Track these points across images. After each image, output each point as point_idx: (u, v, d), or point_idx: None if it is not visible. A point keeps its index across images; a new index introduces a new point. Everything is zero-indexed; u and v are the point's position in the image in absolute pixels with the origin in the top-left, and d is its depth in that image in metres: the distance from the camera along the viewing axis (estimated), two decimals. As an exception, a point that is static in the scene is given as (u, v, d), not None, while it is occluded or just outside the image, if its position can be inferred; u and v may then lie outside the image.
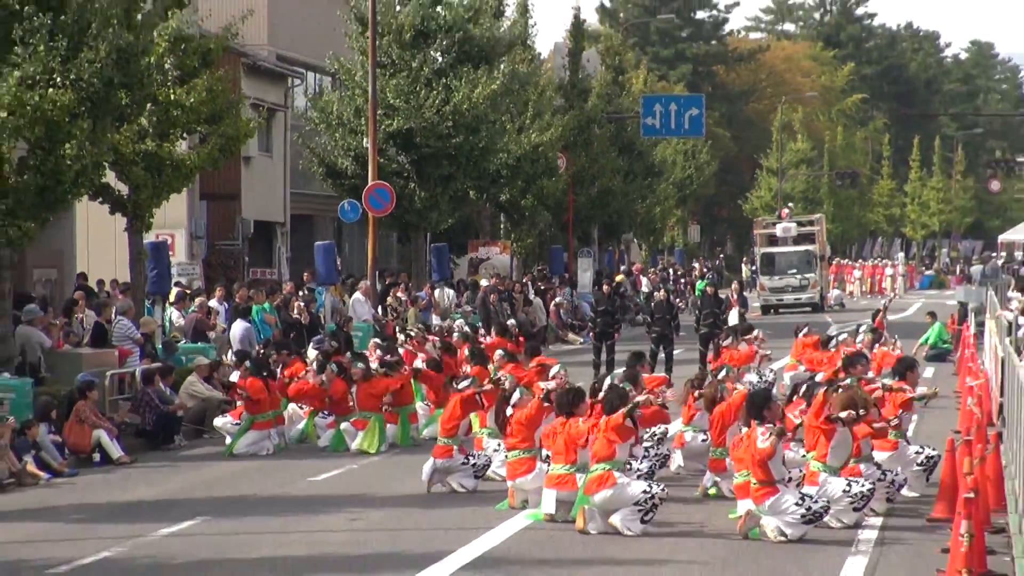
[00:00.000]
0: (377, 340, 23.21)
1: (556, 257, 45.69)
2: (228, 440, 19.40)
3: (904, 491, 14.68)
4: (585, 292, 41.17)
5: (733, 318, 30.11)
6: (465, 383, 16.07)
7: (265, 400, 19.20)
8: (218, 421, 19.98)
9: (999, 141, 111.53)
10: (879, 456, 14.34)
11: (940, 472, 13.75)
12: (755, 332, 22.67)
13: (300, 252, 38.39)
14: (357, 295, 28.94)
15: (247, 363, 19.64)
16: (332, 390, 19.43)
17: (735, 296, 31.94)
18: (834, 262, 65.07)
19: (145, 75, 20.09)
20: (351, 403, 19.27)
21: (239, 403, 19.44)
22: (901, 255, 78.50)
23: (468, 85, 33.47)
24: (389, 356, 20.27)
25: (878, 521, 13.47)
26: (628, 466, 13.40)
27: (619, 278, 44.42)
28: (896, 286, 67.52)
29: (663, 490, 13.07)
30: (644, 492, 12.89)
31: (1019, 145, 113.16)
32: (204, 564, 12.28)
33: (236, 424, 19.35)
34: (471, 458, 15.58)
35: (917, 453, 14.85)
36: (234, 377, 19.77)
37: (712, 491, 14.87)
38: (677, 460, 16.15)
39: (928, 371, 27.92)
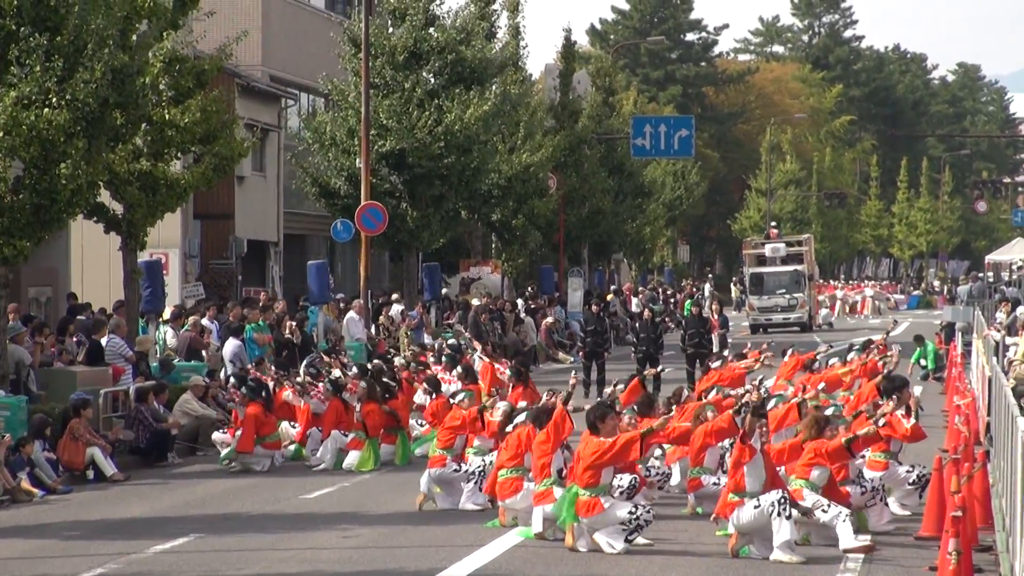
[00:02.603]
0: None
1: (546, 276, 45.81)
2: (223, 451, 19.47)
3: (897, 509, 14.82)
4: (575, 311, 41.29)
5: (715, 344, 29.95)
6: (461, 397, 16.39)
7: (265, 425, 19.38)
8: (217, 436, 20.09)
9: (986, 162, 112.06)
10: (869, 475, 14.47)
11: (928, 489, 13.88)
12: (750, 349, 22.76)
13: (293, 271, 38.49)
14: (351, 314, 29.04)
15: (244, 388, 19.76)
16: (328, 409, 19.63)
17: (716, 316, 31.95)
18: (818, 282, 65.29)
19: (140, 95, 20.22)
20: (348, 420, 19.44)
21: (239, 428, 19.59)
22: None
23: (460, 106, 33.64)
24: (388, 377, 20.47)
25: (867, 539, 13.59)
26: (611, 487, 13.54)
27: (608, 297, 44.58)
28: (876, 306, 67.51)
29: (649, 512, 13.18)
30: (630, 513, 13.02)
31: (1005, 166, 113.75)
32: (198, 581, 12.39)
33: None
34: (463, 466, 15.71)
35: (908, 472, 14.97)
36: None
37: (700, 509, 14.98)
38: (676, 478, 16.22)
39: (916, 390, 28.03)
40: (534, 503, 13.73)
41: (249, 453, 19.21)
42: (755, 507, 12.78)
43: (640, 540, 13.13)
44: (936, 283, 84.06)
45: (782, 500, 12.73)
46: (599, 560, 12.77)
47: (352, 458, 19.01)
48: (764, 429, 13.32)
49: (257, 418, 19.26)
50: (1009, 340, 24.47)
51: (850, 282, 74.44)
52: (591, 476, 13.10)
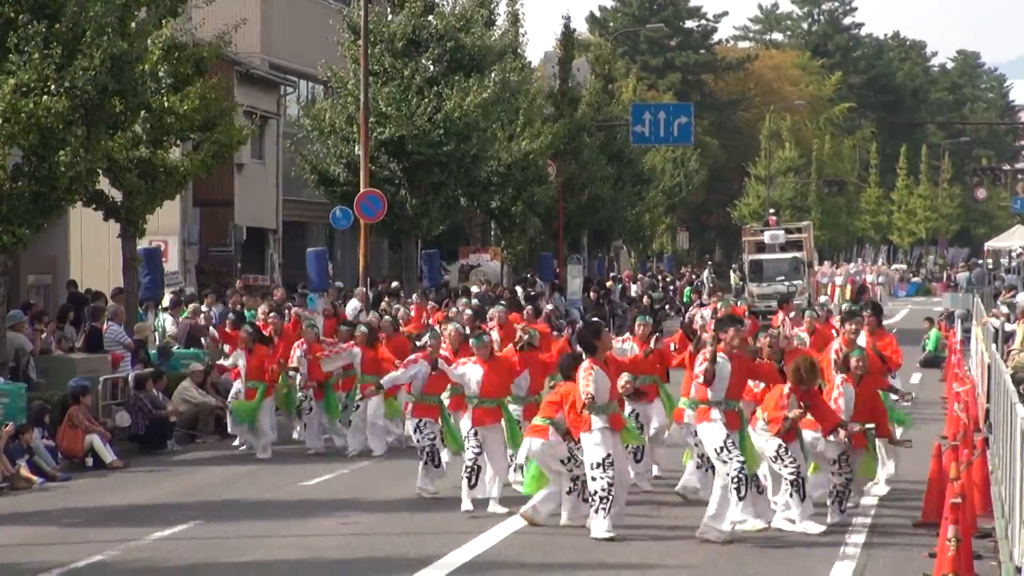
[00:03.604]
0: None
1: (546, 264, 45.79)
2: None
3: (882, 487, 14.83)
4: (575, 299, 41.30)
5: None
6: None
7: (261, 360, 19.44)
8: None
9: (985, 149, 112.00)
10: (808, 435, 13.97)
11: (927, 476, 13.91)
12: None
13: (292, 258, 38.52)
14: (354, 302, 29.04)
15: (247, 329, 19.77)
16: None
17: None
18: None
19: (139, 83, 20.21)
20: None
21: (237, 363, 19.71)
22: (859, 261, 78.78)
23: (459, 93, 33.59)
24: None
25: (866, 525, 13.62)
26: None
27: (608, 284, 44.62)
28: (877, 293, 67.45)
29: (580, 468, 13.26)
30: (564, 463, 13.28)
31: (1005, 153, 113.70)
32: (196, 568, 12.35)
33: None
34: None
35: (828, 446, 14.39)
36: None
37: (693, 497, 14.96)
38: (655, 470, 16.00)
39: (916, 377, 28.07)
40: (526, 433, 13.86)
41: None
42: (716, 452, 12.80)
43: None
44: (936, 269, 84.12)
45: (739, 477, 12.67)
46: (598, 547, 12.79)
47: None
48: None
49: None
50: (1008, 327, 24.49)
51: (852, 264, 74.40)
52: (557, 410, 13.33)
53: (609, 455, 13.00)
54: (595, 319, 14.32)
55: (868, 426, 13.85)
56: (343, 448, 19.45)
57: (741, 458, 12.71)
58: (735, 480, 12.66)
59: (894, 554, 12.58)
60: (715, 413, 12.81)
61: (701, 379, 12.98)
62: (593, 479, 13.01)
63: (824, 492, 13.90)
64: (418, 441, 15.48)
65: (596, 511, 13.01)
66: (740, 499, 12.67)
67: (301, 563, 12.53)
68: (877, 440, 14.24)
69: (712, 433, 12.85)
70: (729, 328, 13.12)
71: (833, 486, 13.74)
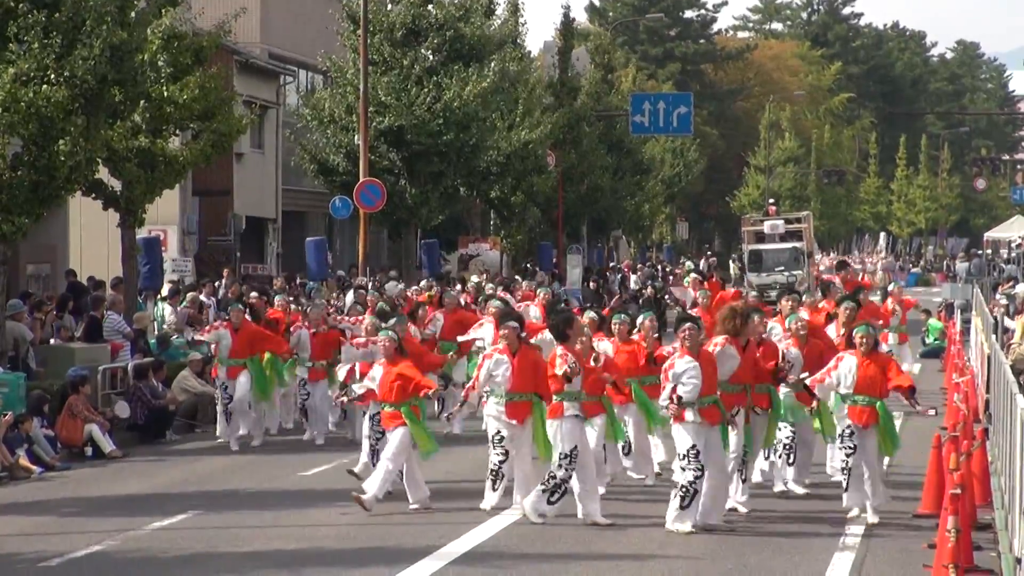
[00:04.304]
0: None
1: (545, 254, 45.80)
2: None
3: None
4: (574, 288, 41.32)
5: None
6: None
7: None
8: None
9: (984, 140, 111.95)
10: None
11: (926, 468, 13.92)
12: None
13: (292, 248, 38.52)
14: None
15: (239, 307, 19.45)
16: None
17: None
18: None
19: (139, 72, 20.20)
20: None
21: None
22: (856, 252, 78.79)
23: (459, 83, 33.57)
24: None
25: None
26: None
27: (607, 273, 44.63)
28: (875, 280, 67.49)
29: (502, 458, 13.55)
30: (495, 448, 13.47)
31: (1004, 144, 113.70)
32: (195, 558, 12.34)
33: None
34: None
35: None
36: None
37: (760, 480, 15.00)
38: (659, 454, 15.78)
39: (916, 367, 28.07)
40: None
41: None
42: (682, 456, 12.81)
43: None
44: (935, 259, 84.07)
45: (687, 488, 12.71)
46: (598, 538, 12.80)
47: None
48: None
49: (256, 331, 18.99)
50: (1008, 321, 24.48)
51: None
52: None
53: (576, 448, 13.12)
54: (565, 308, 14.27)
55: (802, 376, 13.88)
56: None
57: (698, 472, 12.71)
58: (683, 489, 12.73)
59: (894, 545, 12.58)
60: (690, 415, 12.80)
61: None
62: (558, 465, 13.15)
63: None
64: (369, 433, 15.11)
65: (543, 492, 13.19)
66: (682, 508, 12.75)
67: (300, 553, 12.51)
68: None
69: (682, 438, 12.86)
70: (685, 327, 12.93)
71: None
